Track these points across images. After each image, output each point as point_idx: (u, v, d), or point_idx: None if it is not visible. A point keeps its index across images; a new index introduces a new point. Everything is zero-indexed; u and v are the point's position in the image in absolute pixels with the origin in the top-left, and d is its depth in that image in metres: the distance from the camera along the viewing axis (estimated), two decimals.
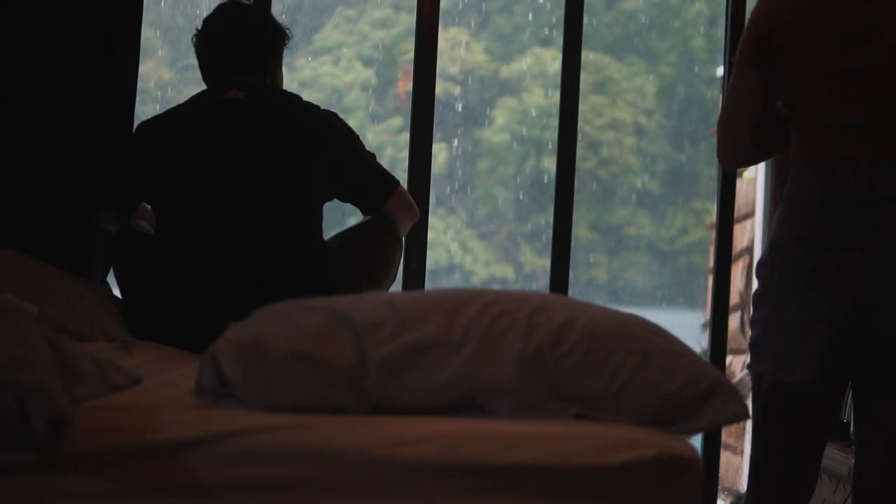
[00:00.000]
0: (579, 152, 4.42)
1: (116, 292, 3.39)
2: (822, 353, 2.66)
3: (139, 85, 3.68)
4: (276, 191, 3.14)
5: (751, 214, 6.82)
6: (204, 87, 3.40)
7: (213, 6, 3.39)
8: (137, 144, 3.29)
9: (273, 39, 3.36)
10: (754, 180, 6.71)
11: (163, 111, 3.35)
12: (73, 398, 1.70)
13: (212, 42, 3.33)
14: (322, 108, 3.32)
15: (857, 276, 2.62)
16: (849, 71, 2.64)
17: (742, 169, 5.58)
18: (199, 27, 3.35)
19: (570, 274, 4.39)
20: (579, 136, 4.41)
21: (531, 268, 6.79)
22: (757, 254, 5.76)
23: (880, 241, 2.60)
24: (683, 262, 8.79)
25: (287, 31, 3.42)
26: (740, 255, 6.78)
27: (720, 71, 4.92)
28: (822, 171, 2.67)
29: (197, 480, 1.72)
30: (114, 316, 3.12)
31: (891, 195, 2.60)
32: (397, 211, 3.46)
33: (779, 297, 2.73)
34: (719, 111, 2.85)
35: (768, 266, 2.78)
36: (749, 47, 2.78)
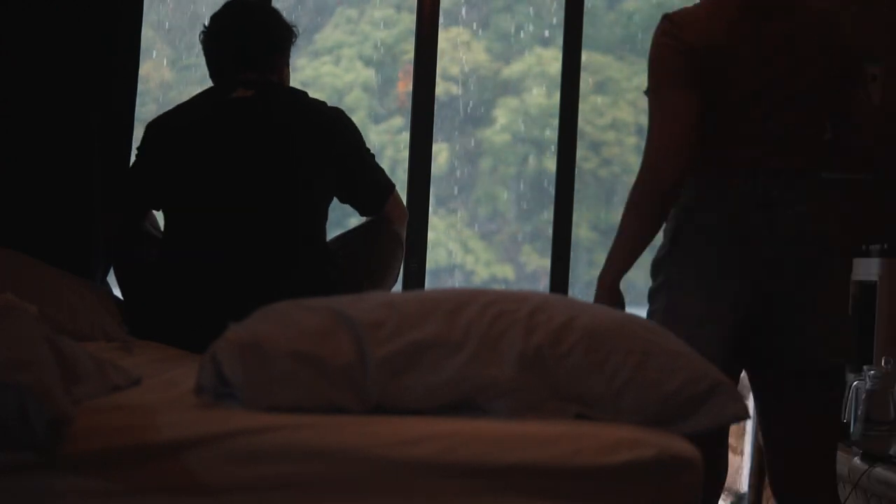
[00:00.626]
0: (580, 152, 4.42)
1: (116, 292, 3.39)
2: (724, 339, 2.86)
3: (140, 85, 3.68)
4: (280, 192, 3.14)
5: None
6: (208, 83, 3.39)
7: (213, 5, 3.39)
8: (146, 146, 3.29)
9: (280, 37, 3.36)
10: None
11: (169, 109, 3.35)
12: (73, 398, 1.70)
13: (219, 39, 3.33)
14: (328, 105, 3.32)
15: (754, 268, 2.86)
16: (755, 89, 2.86)
17: None
18: (207, 24, 3.34)
19: (571, 274, 4.39)
20: (580, 136, 4.42)
21: (532, 268, 6.78)
22: None
23: (774, 237, 2.85)
24: None
25: (294, 27, 3.42)
26: None
27: None
28: (725, 177, 2.88)
29: (197, 480, 1.72)
30: (114, 316, 3.12)
31: (785, 200, 2.85)
32: (394, 213, 3.46)
33: (678, 290, 2.94)
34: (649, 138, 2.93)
35: (668, 261, 2.98)
36: (676, 69, 2.89)
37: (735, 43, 2.86)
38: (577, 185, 4.44)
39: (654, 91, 2.95)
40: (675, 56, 2.89)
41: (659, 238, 3.02)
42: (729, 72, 2.86)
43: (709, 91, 2.86)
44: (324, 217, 3.26)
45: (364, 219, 3.52)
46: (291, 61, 3.48)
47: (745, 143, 2.88)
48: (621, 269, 2.98)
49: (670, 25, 2.91)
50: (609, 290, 2.98)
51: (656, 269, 3.02)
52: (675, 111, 2.88)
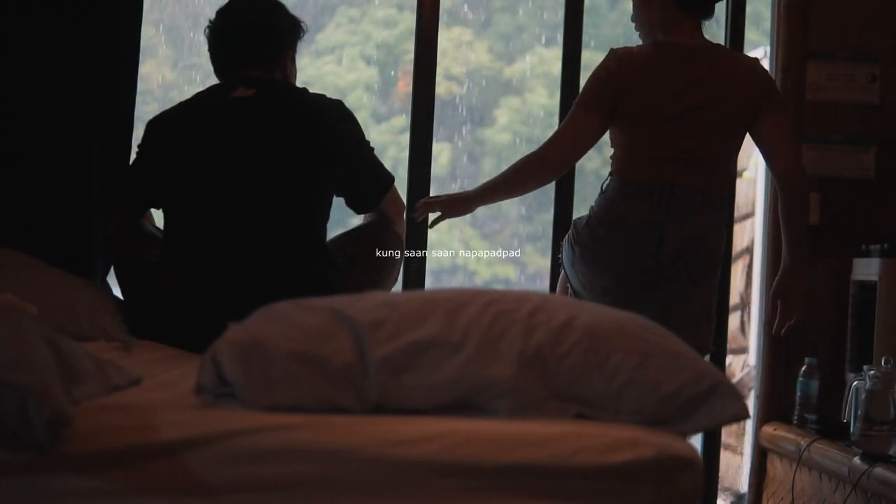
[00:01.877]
0: None
1: (116, 292, 3.39)
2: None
3: (142, 85, 3.67)
4: (280, 192, 3.13)
5: (751, 214, 6.81)
6: (210, 83, 3.38)
7: (215, 5, 3.38)
8: (146, 144, 3.29)
9: (284, 33, 3.34)
10: (754, 180, 6.70)
11: (171, 107, 3.34)
12: (73, 398, 1.70)
13: (223, 35, 3.32)
14: (328, 97, 3.30)
15: (633, 273, 3.47)
16: (668, 115, 3.46)
17: (742, 168, 5.82)
18: (213, 19, 3.33)
19: None
20: None
21: (534, 268, 6.77)
22: (757, 254, 5.76)
23: (661, 252, 3.44)
24: None
25: (301, 23, 3.41)
26: (740, 255, 6.76)
27: None
28: (633, 187, 3.49)
29: (197, 480, 1.72)
30: (114, 316, 3.11)
31: (678, 217, 3.44)
32: (392, 208, 3.46)
33: (581, 261, 3.55)
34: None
35: (586, 232, 3.55)
36: (596, 95, 3.52)
37: (655, 80, 3.48)
38: (579, 185, 4.43)
39: (575, 103, 3.58)
40: (601, 86, 3.52)
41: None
42: (648, 102, 3.47)
43: (629, 117, 3.50)
44: (325, 217, 3.25)
45: (364, 218, 3.51)
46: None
47: (655, 162, 3.46)
48: (483, 201, 3.76)
49: (612, 60, 3.52)
50: (466, 202, 3.75)
51: (577, 231, 3.59)
52: (576, 125, 3.56)
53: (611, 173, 3.58)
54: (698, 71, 3.49)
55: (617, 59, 3.51)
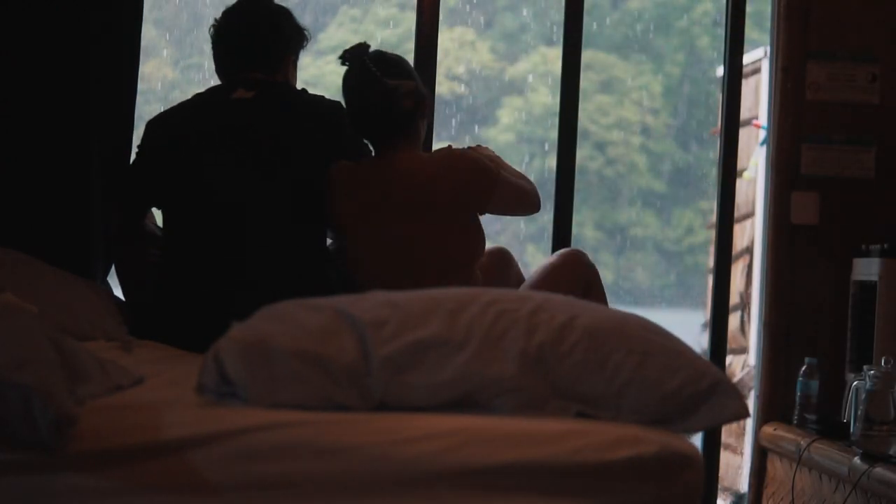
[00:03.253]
0: (586, 152, 4.42)
1: (117, 292, 3.39)
2: None
3: (144, 84, 3.67)
4: (279, 194, 3.14)
5: (751, 214, 6.82)
6: (211, 83, 3.39)
7: (216, 5, 3.38)
8: (146, 144, 3.29)
9: (289, 39, 3.35)
10: (754, 180, 6.71)
11: (171, 107, 3.33)
12: (77, 398, 1.71)
13: (227, 36, 3.32)
14: (327, 98, 3.30)
15: None
16: None
17: (742, 168, 5.82)
18: (217, 19, 3.34)
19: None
20: (585, 136, 4.41)
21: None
22: (757, 254, 5.77)
23: None
24: (690, 262, 8.78)
25: (306, 31, 3.42)
26: (740, 255, 6.77)
27: (720, 71, 4.93)
28: None
29: (200, 478, 1.73)
30: (114, 316, 3.11)
31: None
32: None
33: None
34: None
35: None
36: None
37: None
38: (582, 185, 4.44)
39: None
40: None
41: None
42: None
43: None
44: (323, 217, 3.26)
45: None
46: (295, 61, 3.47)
47: None
48: None
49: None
50: None
51: None
52: None
53: None
54: None
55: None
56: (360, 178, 3.14)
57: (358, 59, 3.15)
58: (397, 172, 3.11)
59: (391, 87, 3.11)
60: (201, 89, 3.36)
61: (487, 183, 3.14)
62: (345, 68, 3.22)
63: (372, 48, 3.19)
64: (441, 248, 3.10)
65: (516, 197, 3.26)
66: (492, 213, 3.28)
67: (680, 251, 8.69)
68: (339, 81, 3.25)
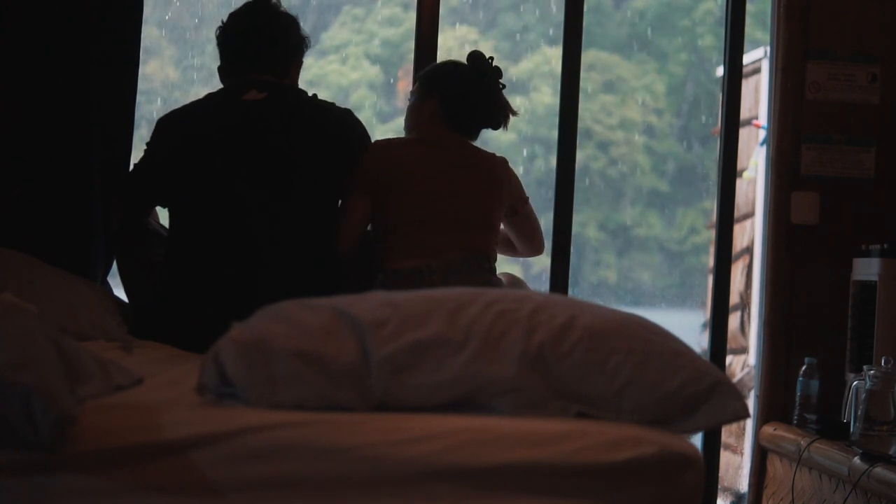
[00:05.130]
0: (589, 152, 4.42)
1: (117, 292, 3.39)
2: None
3: (145, 84, 3.68)
4: (289, 196, 3.15)
5: (751, 214, 6.83)
6: (213, 83, 3.39)
7: (217, 5, 3.39)
8: (156, 142, 3.30)
9: (298, 43, 3.37)
10: (754, 180, 6.72)
11: (182, 105, 3.34)
12: (77, 398, 1.71)
13: (238, 38, 3.33)
14: (337, 106, 3.32)
15: None
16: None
17: (742, 168, 5.83)
18: (225, 20, 3.35)
19: (578, 274, 4.39)
20: (588, 136, 4.41)
21: (539, 268, 6.79)
22: (757, 254, 5.77)
23: None
24: (693, 262, 8.78)
25: (307, 38, 3.44)
26: (740, 255, 6.78)
27: (720, 71, 4.94)
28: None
29: (200, 479, 1.73)
30: (114, 316, 3.12)
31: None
32: None
33: None
34: None
35: None
36: (361, 180, 3.35)
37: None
38: (585, 185, 4.44)
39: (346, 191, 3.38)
40: (363, 173, 3.32)
41: None
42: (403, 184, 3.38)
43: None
44: (331, 219, 3.27)
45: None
46: None
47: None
48: None
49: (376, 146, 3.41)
50: None
51: None
52: (352, 210, 3.34)
53: None
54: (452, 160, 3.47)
55: (379, 148, 3.45)
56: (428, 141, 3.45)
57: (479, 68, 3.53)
58: (469, 149, 3.49)
59: (505, 101, 3.60)
60: (202, 89, 3.37)
61: (522, 196, 3.56)
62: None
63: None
64: (486, 212, 3.41)
65: (535, 226, 3.66)
66: (514, 228, 3.61)
67: (682, 251, 8.70)
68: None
